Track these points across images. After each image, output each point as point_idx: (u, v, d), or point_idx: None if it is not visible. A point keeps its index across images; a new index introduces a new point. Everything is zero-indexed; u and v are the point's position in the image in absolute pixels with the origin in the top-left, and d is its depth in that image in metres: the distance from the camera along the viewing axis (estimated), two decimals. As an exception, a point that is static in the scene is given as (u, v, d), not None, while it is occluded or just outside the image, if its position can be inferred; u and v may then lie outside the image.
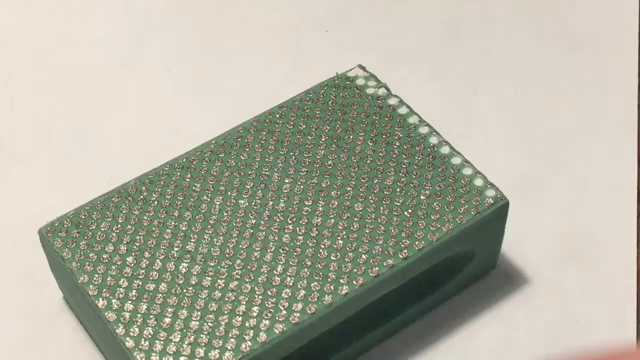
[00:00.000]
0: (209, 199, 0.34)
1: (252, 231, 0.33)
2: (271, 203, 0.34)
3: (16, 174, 0.41)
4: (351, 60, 0.39)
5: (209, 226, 0.33)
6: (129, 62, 0.45)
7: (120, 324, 0.31)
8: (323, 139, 0.36)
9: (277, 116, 0.36)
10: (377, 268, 0.32)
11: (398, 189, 0.34)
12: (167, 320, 0.31)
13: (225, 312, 0.31)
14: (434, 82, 0.44)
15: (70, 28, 0.47)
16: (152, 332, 0.31)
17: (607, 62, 0.44)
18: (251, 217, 0.33)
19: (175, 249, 0.32)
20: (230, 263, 0.32)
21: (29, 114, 0.43)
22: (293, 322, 0.31)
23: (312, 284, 0.32)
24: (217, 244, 0.33)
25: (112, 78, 0.45)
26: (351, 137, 0.36)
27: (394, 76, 0.40)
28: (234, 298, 0.31)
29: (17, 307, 0.36)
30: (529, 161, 0.40)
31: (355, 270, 0.32)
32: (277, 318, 0.31)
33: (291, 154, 0.35)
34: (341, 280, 0.32)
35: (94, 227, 0.33)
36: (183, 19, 0.47)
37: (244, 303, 0.31)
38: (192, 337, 0.30)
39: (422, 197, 0.34)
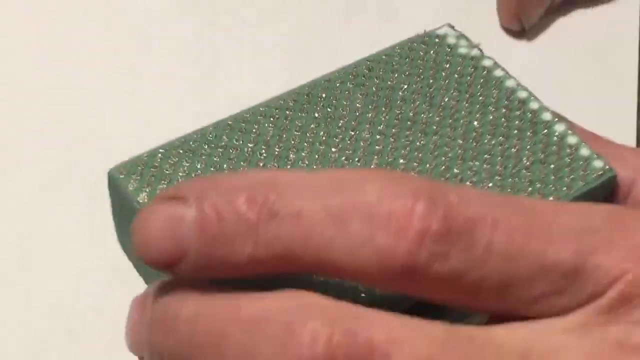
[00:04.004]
0: (295, 150, 0.31)
1: None
2: (363, 159, 0.31)
3: (18, 180, 0.39)
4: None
5: None
6: (131, 67, 0.44)
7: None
8: (415, 96, 0.33)
9: (364, 69, 0.34)
10: (482, 234, 0.29)
11: (499, 154, 0.31)
12: None
13: None
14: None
15: (71, 33, 0.46)
16: None
17: (608, 68, 0.43)
18: (355, 169, 0.31)
19: (262, 200, 0.30)
20: (322, 219, 0.29)
21: (31, 119, 0.42)
22: None
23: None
24: (307, 198, 0.30)
25: (114, 82, 0.44)
26: (445, 96, 0.33)
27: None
28: None
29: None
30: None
31: None
32: None
33: (382, 109, 0.32)
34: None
35: (170, 171, 0.30)
36: (184, 25, 0.47)
37: None
38: None
39: (525, 163, 0.31)
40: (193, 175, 0.30)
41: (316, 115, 0.32)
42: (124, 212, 0.31)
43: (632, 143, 0.41)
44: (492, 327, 0.23)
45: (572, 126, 0.33)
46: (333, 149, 0.31)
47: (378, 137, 0.32)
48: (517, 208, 0.23)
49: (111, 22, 0.47)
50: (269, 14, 0.47)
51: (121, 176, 0.30)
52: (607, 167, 0.31)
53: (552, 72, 0.44)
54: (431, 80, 0.34)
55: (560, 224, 0.23)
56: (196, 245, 0.23)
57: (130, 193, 0.29)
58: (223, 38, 0.46)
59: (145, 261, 0.24)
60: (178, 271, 0.24)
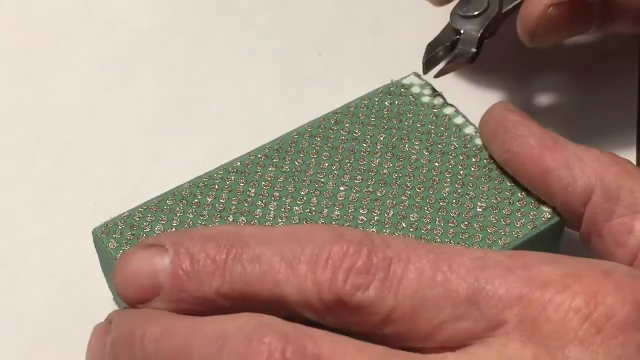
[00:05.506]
0: (263, 205, 0.34)
1: None
2: (326, 211, 0.33)
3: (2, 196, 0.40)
4: (346, 83, 0.39)
5: None
6: (115, 87, 0.44)
7: (174, 329, 0.31)
8: (378, 147, 0.35)
9: (332, 122, 0.36)
10: (433, 281, 0.31)
11: (454, 201, 0.34)
12: None
13: None
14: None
15: (53, 54, 0.46)
16: None
17: (608, 74, 0.44)
18: (306, 224, 0.33)
19: (230, 254, 0.32)
20: (286, 271, 0.32)
21: (10, 140, 0.43)
22: None
23: (367, 295, 0.31)
24: (272, 250, 0.32)
25: (96, 104, 0.43)
26: (407, 146, 0.35)
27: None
28: None
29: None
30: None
31: None
32: None
33: (346, 161, 0.35)
34: (397, 292, 0.31)
35: (148, 229, 0.33)
36: (171, 43, 0.46)
37: None
38: None
39: (478, 210, 0.33)
40: (169, 232, 0.33)
41: (285, 169, 0.35)
42: (108, 266, 0.33)
43: (633, 143, 0.41)
44: (428, 356, 0.26)
45: None
46: (299, 202, 0.34)
47: (342, 189, 0.34)
48: (428, 248, 0.27)
49: (97, 43, 0.47)
50: (262, 24, 0.47)
51: (103, 236, 0.33)
52: (556, 210, 0.33)
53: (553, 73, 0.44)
54: (394, 131, 0.36)
55: (465, 260, 0.27)
56: (171, 281, 0.27)
57: (110, 251, 0.32)
58: (211, 60, 0.46)
59: (124, 298, 0.28)
60: (153, 305, 0.28)
